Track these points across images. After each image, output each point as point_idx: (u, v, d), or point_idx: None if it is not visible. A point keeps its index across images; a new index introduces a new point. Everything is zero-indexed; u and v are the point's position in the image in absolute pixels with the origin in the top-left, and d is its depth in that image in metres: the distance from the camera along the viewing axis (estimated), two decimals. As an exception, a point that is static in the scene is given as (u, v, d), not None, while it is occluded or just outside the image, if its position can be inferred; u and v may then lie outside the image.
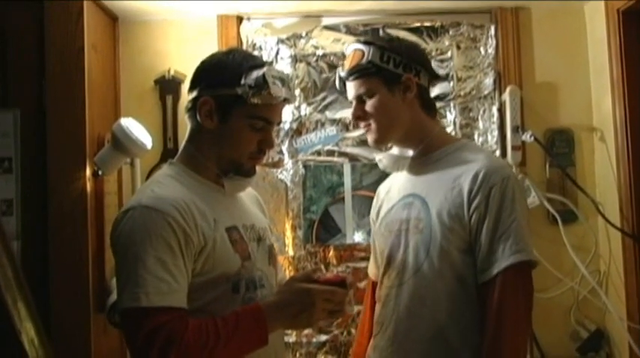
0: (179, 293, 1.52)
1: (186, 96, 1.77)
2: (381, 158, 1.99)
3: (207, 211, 1.64)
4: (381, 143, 1.92)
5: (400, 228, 1.86)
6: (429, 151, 1.88)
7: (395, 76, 1.83)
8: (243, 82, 1.66)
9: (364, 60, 1.83)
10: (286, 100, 1.75)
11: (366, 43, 1.86)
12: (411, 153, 1.92)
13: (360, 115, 1.88)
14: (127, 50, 3.00)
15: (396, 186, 1.99)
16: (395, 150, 1.96)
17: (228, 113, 1.69)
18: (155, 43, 2.99)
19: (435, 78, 1.97)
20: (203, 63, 1.76)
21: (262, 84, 1.66)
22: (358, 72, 1.85)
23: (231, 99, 1.67)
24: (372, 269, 2.08)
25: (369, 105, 1.85)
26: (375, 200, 2.13)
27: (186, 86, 2.44)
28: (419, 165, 1.90)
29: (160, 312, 1.47)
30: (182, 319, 1.50)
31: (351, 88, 1.89)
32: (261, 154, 1.77)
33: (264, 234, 1.81)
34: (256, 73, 1.67)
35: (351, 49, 1.90)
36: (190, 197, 1.63)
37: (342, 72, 1.91)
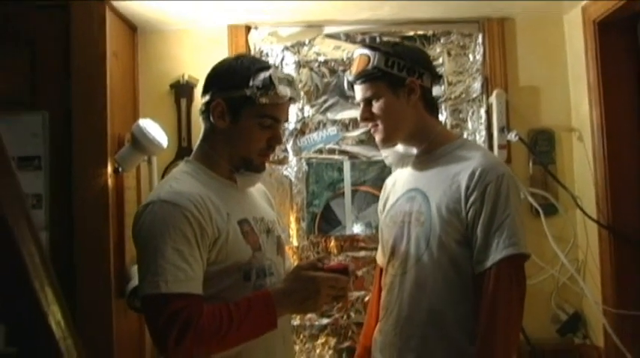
0: (195, 280, 1.52)
1: (199, 99, 1.77)
2: (387, 155, 1.98)
3: (221, 205, 1.63)
4: (387, 142, 1.90)
5: (403, 219, 1.85)
6: (432, 149, 1.87)
7: (399, 79, 1.81)
8: (251, 83, 1.65)
9: (370, 65, 1.80)
10: (292, 99, 1.73)
11: (371, 48, 1.84)
12: (415, 150, 1.90)
13: (367, 117, 1.86)
14: (145, 57, 3.00)
15: (401, 180, 1.98)
16: (400, 148, 1.94)
17: (239, 113, 1.68)
18: (171, 51, 2.99)
19: (438, 79, 1.94)
20: (214, 69, 1.76)
21: (269, 85, 1.65)
22: (365, 76, 1.83)
23: (241, 101, 1.67)
24: (380, 257, 2.06)
25: (376, 107, 1.83)
26: (382, 192, 2.11)
27: (198, 90, 2.49)
28: (422, 162, 1.89)
29: (177, 298, 1.48)
30: (198, 304, 1.51)
31: (359, 91, 1.86)
32: (270, 150, 1.76)
33: (272, 226, 1.81)
34: (263, 75, 1.66)
35: (358, 53, 1.87)
36: (205, 192, 1.62)
37: (349, 76, 1.89)
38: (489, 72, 3.00)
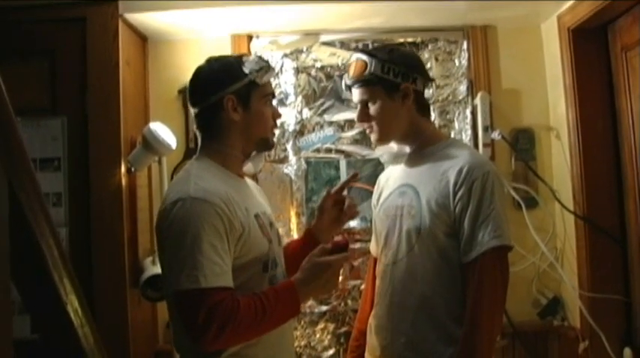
0: (228, 274, 1.49)
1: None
2: (382, 154, 1.98)
3: (240, 201, 1.60)
4: (382, 142, 1.90)
5: (396, 213, 1.84)
6: (423, 147, 1.86)
7: (394, 84, 1.79)
8: (247, 71, 1.64)
9: (367, 71, 1.79)
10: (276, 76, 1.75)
11: (369, 54, 1.82)
12: (407, 149, 1.90)
13: (363, 119, 1.85)
14: (155, 65, 2.98)
15: (393, 176, 1.96)
16: (394, 147, 1.94)
17: (249, 100, 1.66)
18: (178, 59, 2.94)
19: (430, 82, 1.94)
20: (200, 76, 1.70)
21: (264, 65, 1.67)
22: (362, 81, 1.81)
23: (248, 88, 1.66)
24: (374, 247, 2.04)
25: (372, 110, 1.82)
26: (376, 187, 2.09)
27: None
28: (413, 159, 1.88)
29: (216, 292, 1.44)
30: (234, 297, 1.47)
31: (356, 94, 1.85)
32: (276, 125, 1.76)
33: (272, 220, 1.78)
34: (253, 60, 1.67)
35: (355, 58, 1.85)
36: (226, 189, 1.58)
37: (347, 79, 1.87)
38: (474, 76, 2.98)
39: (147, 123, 2.74)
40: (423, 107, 1.88)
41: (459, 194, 1.69)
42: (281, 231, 2.68)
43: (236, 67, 1.65)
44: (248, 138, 1.69)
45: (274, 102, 2.70)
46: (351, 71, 1.84)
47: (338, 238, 1.73)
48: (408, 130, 1.85)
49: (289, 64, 3.01)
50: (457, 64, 3.01)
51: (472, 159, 1.73)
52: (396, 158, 1.96)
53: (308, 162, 3.05)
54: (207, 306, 1.41)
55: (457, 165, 1.72)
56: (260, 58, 1.68)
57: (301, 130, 3.02)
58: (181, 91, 2.93)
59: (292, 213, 2.99)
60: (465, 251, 1.68)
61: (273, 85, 1.76)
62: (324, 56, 3.01)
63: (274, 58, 2.99)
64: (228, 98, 1.63)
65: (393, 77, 1.79)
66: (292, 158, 3.01)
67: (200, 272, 1.42)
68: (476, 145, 2.92)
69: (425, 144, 1.85)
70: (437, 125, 2.94)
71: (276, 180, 2.99)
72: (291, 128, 3.01)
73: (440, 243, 1.72)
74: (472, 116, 2.97)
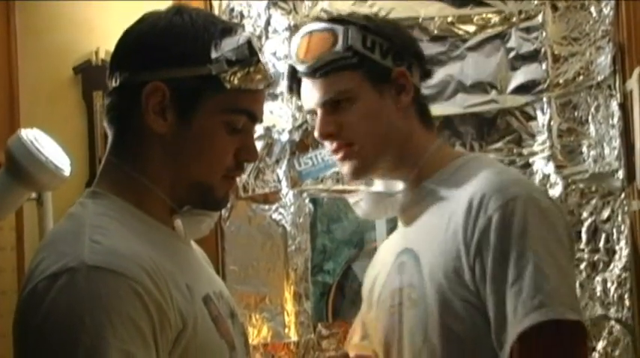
0: None
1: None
2: (357, 200, 1.91)
3: (176, 272, 1.44)
4: (366, 173, 1.82)
5: (393, 302, 1.79)
6: (422, 180, 1.79)
7: (383, 70, 1.74)
8: (215, 55, 1.50)
9: (339, 45, 1.74)
10: (270, 86, 1.63)
11: (339, 21, 1.78)
12: (400, 186, 1.83)
13: (332, 131, 1.76)
14: (29, 23, 2.87)
15: (392, 241, 1.96)
16: (378, 185, 1.88)
17: (193, 107, 1.50)
18: (74, 12, 2.84)
19: (427, 76, 1.91)
20: (140, 31, 1.54)
21: (248, 57, 1.51)
22: (332, 63, 1.73)
23: (197, 84, 1.49)
24: None
25: (351, 114, 1.75)
26: (370, 267, 2.05)
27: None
28: (410, 204, 1.83)
29: None
30: None
31: (317, 89, 1.77)
32: (239, 171, 1.60)
33: (234, 306, 1.64)
34: (236, 41, 1.52)
35: (311, 30, 1.80)
36: (150, 250, 1.42)
37: (299, 64, 1.80)
38: (626, 37, 2.83)
39: (14, 129, 2.54)
40: (425, 111, 1.86)
41: (473, 245, 1.61)
42: (266, 328, 2.88)
43: (202, 41, 1.51)
44: (178, 173, 1.53)
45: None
46: (303, 50, 1.81)
47: None
48: (406, 151, 1.81)
49: (280, 21, 2.95)
50: (594, 14, 2.89)
51: (490, 183, 1.67)
52: (381, 205, 1.88)
53: (315, 201, 3.09)
54: None
55: (465, 197, 1.66)
56: (250, 46, 1.54)
57: (303, 142, 2.93)
58: (81, 69, 2.88)
59: (287, 295, 2.92)
60: (497, 340, 1.60)
61: (262, 104, 1.63)
62: (344, 3, 2.90)
63: (253, 10, 2.93)
64: (153, 86, 1.46)
65: (381, 57, 1.76)
66: (288, 193, 2.94)
67: None
68: (631, 167, 2.80)
69: (424, 174, 1.80)
70: (555, 130, 2.87)
71: (258, 233, 2.91)
72: (284, 138, 2.93)
73: (461, 340, 1.65)
74: (623, 112, 2.84)
